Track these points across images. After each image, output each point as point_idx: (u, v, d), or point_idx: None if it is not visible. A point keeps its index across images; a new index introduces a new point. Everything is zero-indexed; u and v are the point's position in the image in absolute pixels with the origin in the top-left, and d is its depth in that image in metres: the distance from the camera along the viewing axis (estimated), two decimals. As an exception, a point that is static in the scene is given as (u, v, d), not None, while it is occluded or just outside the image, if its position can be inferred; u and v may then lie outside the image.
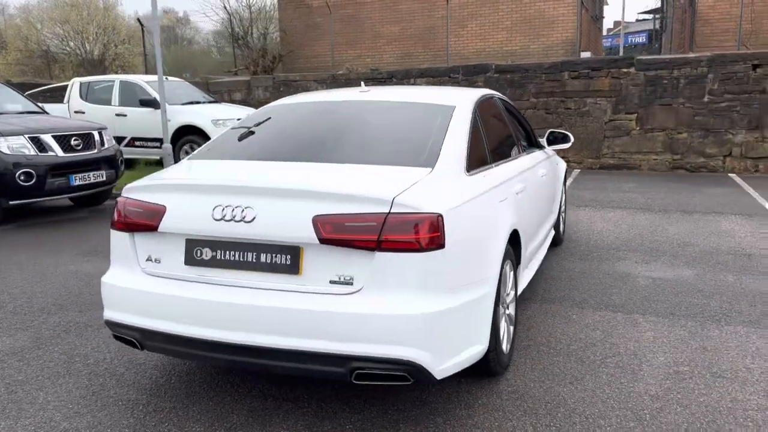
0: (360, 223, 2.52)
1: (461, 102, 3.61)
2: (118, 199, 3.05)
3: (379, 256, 2.51)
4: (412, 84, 13.25)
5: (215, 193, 2.75)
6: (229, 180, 2.87)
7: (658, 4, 27.54)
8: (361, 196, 2.57)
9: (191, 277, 2.79)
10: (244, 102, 14.51)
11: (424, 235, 2.52)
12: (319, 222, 2.55)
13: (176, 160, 10.76)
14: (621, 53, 18.31)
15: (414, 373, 2.53)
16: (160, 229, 2.83)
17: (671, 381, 3.24)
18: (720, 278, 4.97)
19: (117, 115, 11.78)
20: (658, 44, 27.75)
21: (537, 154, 4.89)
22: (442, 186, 2.82)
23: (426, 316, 2.51)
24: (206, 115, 11.38)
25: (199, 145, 11.32)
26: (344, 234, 2.53)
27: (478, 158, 3.36)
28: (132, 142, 11.77)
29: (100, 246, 6.41)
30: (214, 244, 2.75)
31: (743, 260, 5.46)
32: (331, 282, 2.58)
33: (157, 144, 11.61)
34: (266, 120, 3.73)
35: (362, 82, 4.58)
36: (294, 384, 3.24)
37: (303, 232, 2.57)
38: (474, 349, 2.80)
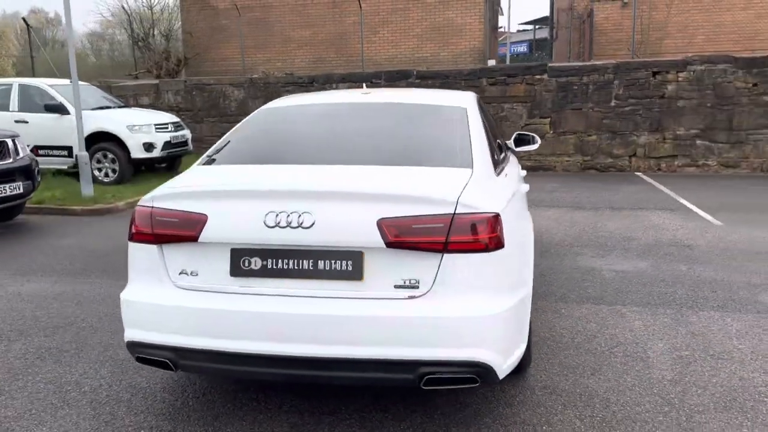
0: (428, 225, 2.48)
1: (467, 103, 3.65)
2: (140, 209, 2.80)
3: (447, 257, 2.48)
4: (334, 89, 13.19)
5: (267, 198, 2.60)
6: (283, 184, 2.72)
7: (540, 15, 29.24)
8: (427, 197, 2.53)
9: (238, 289, 2.61)
10: (152, 106, 13.79)
11: (488, 235, 2.52)
12: (384, 225, 2.48)
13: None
14: (507, 62, 19.29)
15: (483, 374, 2.52)
16: (200, 239, 2.63)
17: (680, 365, 3.45)
18: (674, 268, 5.36)
19: (17, 121, 10.76)
20: (545, 53, 29.42)
21: (511, 155, 5.03)
22: (487, 186, 2.83)
23: (494, 317, 2.52)
24: (120, 120, 10.70)
25: (114, 153, 10.67)
26: (412, 237, 2.48)
27: (495, 159, 3.41)
28: (35, 151, 10.80)
29: (36, 263, 5.84)
30: (265, 252, 2.59)
31: (686, 251, 5.92)
32: (396, 286, 2.52)
33: (65, 152, 10.77)
34: (278, 122, 3.59)
35: (364, 84, 4.51)
36: (325, 396, 3.12)
37: (367, 237, 2.49)
38: (522, 347, 2.83)
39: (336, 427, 2.87)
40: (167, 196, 2.76)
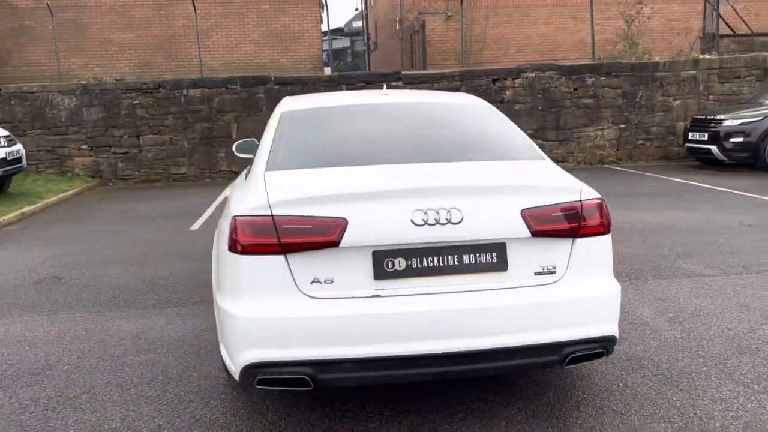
0: (565, 212, 2.66)
1: (483, 101, 3.88)
2: (254, 219, 2.56)
3: (579, 242, 2.69)
4: (186, 95, 12.46)
5: (413, 196, 2.56)
6: (430, 182, 2.68)
7: (333, 26, 30.39)
8: (560, 186, 2.71)
9: (383, 291, 2.54)
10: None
11: (604, 219, 2.78)
12: (528, 215, 2.61)
13: None
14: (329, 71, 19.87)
15: (610, 347, 2.77)
16: (342, 244, 2.50)
17: (745, 324, 3.98)
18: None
19: None
20: (346, 63, 30.56)
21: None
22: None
23: (616, 293, 2.78)
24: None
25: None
26: (553, 224, 2.64)
27: None
28: None
29: (-77, 307, 4.78)
30: (410, 252, 2.55)
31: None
32: (536, 273, 2.65)
33: None
34: (322, 125, 3.48)
35: (384, 85, 4.44)
36: (415, 392, 3.12)
37: (512, 227, 2.60)
38: None
39: (454, 419, 2.90)
40: (294, 202, 2.57)
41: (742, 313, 4.18)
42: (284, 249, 2.53)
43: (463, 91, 12.59)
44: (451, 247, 2.57)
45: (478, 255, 2.60)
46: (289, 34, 16.85)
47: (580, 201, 2.71)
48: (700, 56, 13.57)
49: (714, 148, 11.26)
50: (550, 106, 12.97)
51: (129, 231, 7.74)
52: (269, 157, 3.14)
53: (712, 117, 11.48)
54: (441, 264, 2.58)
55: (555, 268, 2.67)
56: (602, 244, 2.76)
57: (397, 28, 18.19)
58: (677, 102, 13.13)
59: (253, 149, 5.24)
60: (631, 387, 3.18)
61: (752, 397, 3.02)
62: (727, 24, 16.16)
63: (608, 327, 2.72)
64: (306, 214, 2.54)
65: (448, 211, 2.55)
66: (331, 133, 3.43)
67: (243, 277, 2.59)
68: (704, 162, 11.88)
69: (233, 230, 2.61)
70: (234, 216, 2.65)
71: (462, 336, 2.53)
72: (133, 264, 6.04)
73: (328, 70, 16.94)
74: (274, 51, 16.83)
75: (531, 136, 13.05)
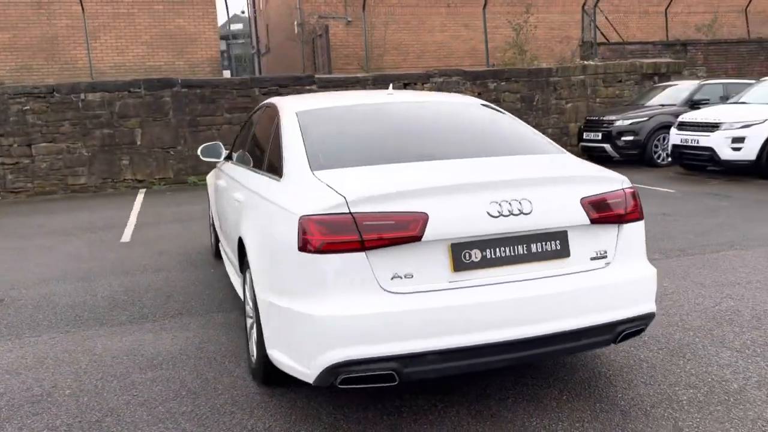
0: (615, 200, 2.88)
1: (480, 99, 4.06)
2: (331, 217, 2.53)
3: (624, 227, 2.91)
4: (83, 99, 11.61)
5: (488, 189, 2.66)
6: (503, 175, 2.77)
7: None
8: (606, 176, 2.92)
9: (461, 283, 2.61)
10: None
11: (639, 206, 3.03)
12: (586, 204, 2.79)
13: None
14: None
15: (649, 323, 3.01)
16: (424, 238, 2.54)
17: (708, 299, 4.38)
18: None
19: None
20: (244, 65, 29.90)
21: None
22: None
23: (654, 273, 3.03)
24: None
25: None
26: (607, 212, 2.84)
27: None
28: None
29: None
30: (485, 243, 2.64)
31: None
32: (591, 259, 2.84)
33: None
34: (344, 125, 3.48)
35: (390, 85, 4.40)
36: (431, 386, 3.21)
37: (574, 216, 2.77)
38: None
39: (507, 403, 3.02)
40: (373, 198, 2.57)
41: (700, 290, 4.67)
42: (365, 246, 2.52)
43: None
44: (522, 236, 2.70)
45: (544, 243, 2.74)
46: (185, 36, 16.19)
47: (623, 189, 2.94)
48: (588, 63, 14.77)
49: (608, 146, 12.31)
50: (458, 109, 13.50)
51: (54, 246, 7.11)
52: (308, 155, 3.09)
53: (604, 118, 12.55)
54: (513, 253, 2.69)
55: (606, 252, 2.87)
56: (640, 229, 3.01)
57: (296, 31, 18.06)
58: (569, 105, 14.19)
59: (219, 153, 5.09)
60: (647, 361, 3.47)
61: (750, 360, 3.42)
62: (602, 33, 17.68)
63: (650, 305, 2.97)
64: (387, 210, 2.55)
65: (520, 202, 2.68)
66: (363, 132, 3.44)
67: (322, 277, 2.55)
68: (597, 159, 12.92)
69: (304, 230, 2.57)
70: (303, 216, 2.60)
71: (535, 322, 2.66)
72: (78, 280, 5.58)
73: (227, 73, 16.47)
74: (169, 53, 16.09)
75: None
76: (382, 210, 2.55)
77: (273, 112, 3.89)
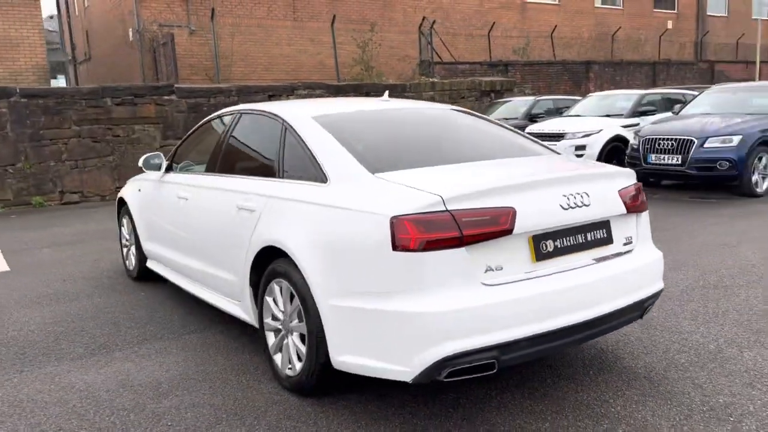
0: (637, 192, 3.28)
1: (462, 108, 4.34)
2: (431, 215, 2.59)
3: (641, 216, 3.32)
4: None
5: (561, 184, 2.91)
6: (569, 171, 3.01)
7: None
8: (626, 171, 3.31)
9: (539, 272, 2.81)
10: None
11: (645, 197, 3.47)
12: (622, 195, 3.16)
13: None
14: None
15: (657, 299, 3.46)
16: (514, 231, 2.70)
17: None
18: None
19: None
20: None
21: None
22: None
23: (662, 255, 3.46)
24: None
25: None
26: (635, 201, 3.23)
27: None
28: None
29: None
30: (556, 234, 2.88)
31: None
32: (623, 244, 3.21)
33: None
34: (374, 129, 3.53)
35: (386, 93, 4.30)
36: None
37: (615, 206, 3.12)
38: None
39: (558, 384, 3.28)
40: (466, 196, 2.68)
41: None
42: (464, 241, 2.63)
43: (190, 110, 12.48)
44: (582, 226, 2.99)
45: (596, 232, 3.05)
46: (6, 42, 14.31)
47: (635, 183, 3.37)
48: (436, 80, 15.82)
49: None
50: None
51: None
52: (357, 158, 3.09)
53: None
54: (576, 242, 2.97)
55: (631, 239, 3.26)
56: (647, 218, 3.45)
57: (132, 39, 16.87)
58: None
59: (159, 165, 4.75)
60: (631, 335, 3.96)
61: (707, 326, 4.06)
62: (437, 53, 19.02)
63: (661, 283, 3.41)
64: (481, 206, 2.68)
65: (581, 195, 2.97)
66: (392, 136, 3.52)
67: (423, 274, 2.60)
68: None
69: (399, 229, 2.60)
70: (395, 216, 2.63)
71: (596, 304, 2.94)
72: (-18, 315, 4.78)
73: (54, 83, 14.85)
74: (-15, 59, 14.10)
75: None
76: (476, 206, 2.68)
77: (272, 119, 3.77)
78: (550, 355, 3.59)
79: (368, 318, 2.74)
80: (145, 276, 5.52)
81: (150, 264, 5.33)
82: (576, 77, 21.97)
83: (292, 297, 3.22)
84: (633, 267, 3.16)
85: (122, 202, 5.79)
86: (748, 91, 10.61)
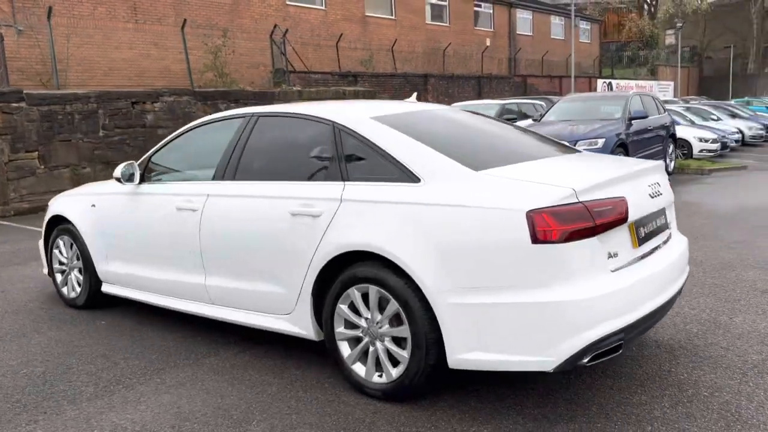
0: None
1: None
2: (565, 208, 2.71)
3: (672, 204, 3.72)
4: None
5: (647, 175, 3.23)
6: (649, 163, 3.31)
7: None
8: (661, 165, 3.69)
9: (642, 255, 3.06)
10: None
11: None
12: (669, 186, 3.55)
13: None
14: None
15: None
16: (628, 220, 2.92)
17: None
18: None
19: None
20: None
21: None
22: None
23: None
24: None
25: None
26: (672, 192, 3.63)
27: None
28: None
29: None
30: (645, 219, 3.16)
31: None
32: (670, 229, 3.58)
33: None
34: (435, 129, 3.56)
35: (414, 94, 4.10)
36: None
37: (669, 195, 3.51)
38: None
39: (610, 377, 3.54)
40: (592, 188, 2.84)
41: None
42: (596, 230, 2.78)
43: (101, 114, 11.35)
44: (657, 212, 3.30)
45: (662, 217, 3.38)
46: None
47: (666, 174, 3.79)
48: (303, 89, 15.75)
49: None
50: (191, 131, 12.88)
51: None
52: (452, 157, 3.10)
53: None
54: (654, 227, 3.28)
55: (670, 224, 3.64)
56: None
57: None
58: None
59: (134, 176, 4.29)
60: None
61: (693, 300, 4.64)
62: (290, 62, 18.90)
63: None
64: (603, 197, 2.85)
65: (657, 185, 3.31)
66: (454, 135, 3.58)
67: (565, 264, 2.71)
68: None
69: (536, 222, 2.69)
70: (531, 210, 2.71)
71: (673, 282, 3.27)
72: None
73: None
74: None
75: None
76: (601, 197, 2.85)
77: (314, 121, 3.60)
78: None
79: (501, 312, 2.77)
80: (93, 304, 4.86)
81: (109, 289, 4.69)
82: (416, 89, 23.16)
83: (379, 302, 3.12)
84: (681, 248, 3.52)
85: (56, 221, 5.02)
86: (595, 100, 12.13)
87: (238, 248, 3.68)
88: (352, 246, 3.16)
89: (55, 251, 5.08)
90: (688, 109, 19.70)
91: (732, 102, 28.55)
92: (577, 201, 2.77)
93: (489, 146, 3.55)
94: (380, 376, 3.18)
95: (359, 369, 3.26)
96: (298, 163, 3.65)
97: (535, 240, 2.70)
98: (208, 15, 18.68)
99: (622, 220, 2.91)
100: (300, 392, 3.32)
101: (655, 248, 3.23)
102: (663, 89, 37.53)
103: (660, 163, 3.58)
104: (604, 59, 40.45)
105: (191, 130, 4.36)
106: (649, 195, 3.21)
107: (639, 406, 3.02)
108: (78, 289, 4.91)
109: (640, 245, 3.10)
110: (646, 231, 3.19)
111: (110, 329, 4.45)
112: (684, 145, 15.37)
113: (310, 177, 3.52)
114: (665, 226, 3.43)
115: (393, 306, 3.06)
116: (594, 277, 2.78)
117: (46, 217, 5.15)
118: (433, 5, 26.71)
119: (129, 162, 4.45)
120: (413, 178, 3.11)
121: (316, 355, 3.74)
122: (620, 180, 3.06)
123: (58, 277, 5.10)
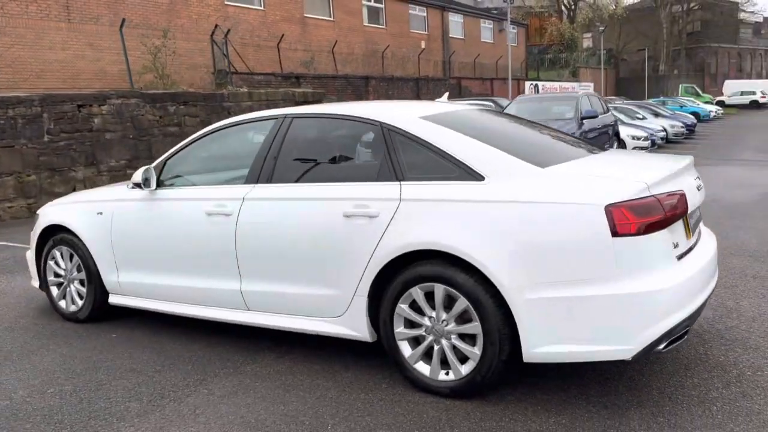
0: None
1: None
2: (642, 201, 2.82)
3: None
4: None
5: (691, 170, 3.38)
6: (690, 159, 3.43)
7: None
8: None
9: (690, 245, 3.20)
10: None
11: None
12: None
13: None
14: None
15: None
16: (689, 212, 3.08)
17: None
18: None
19: None
20: None
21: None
22: None
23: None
24: None
25: None
26: None
27: None
28: None
29: None
30: (693, 212, 3.33)
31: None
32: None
33: None
34: (479, 128, 3.59)
35: (446, 93, 4.05)
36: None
37: (702, 191, 3.68)
38: None
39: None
40: (659, 183, 2.97)
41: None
42: (667, 222, 2.91)
43: (46, 118, 10.72)
44: (698, 205, 3.47)
45: (698, 210, 3.55)
46: None
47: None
48: (254, 91, 15.43)
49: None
50: (141, 134, 12.39)
51: None
52: (513, 155, 3.16)
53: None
54: (697, 219, 3.46)
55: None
56: None
57: None
58: (239, 129, 14.55)
59: (149, 179, 4.14)
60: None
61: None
62: (232, 64, 18.48)
63: None
64: (667, 191, 2.98)
65: (699, 179, 3.48)
66: (499, 133, 3.64)
67: (644, 255, 2.82)
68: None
69: (616, 216, 2.79)
70: (610, 204, 2.81)
71: (715, 272, 3.44)
72: None
73: None
74: None
75: (126, 166, 12.18)
76: (667, 191, 2.98)
77: (359, 122, 3.58)
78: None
79: (581, 305, 2.85)
80: (96, 317, 4.60)
81: (119, 300, 4.46)
82: (358, 90, 23.24)
83: (446, 300, 3.14)
84: (713, 241, 3.67)
85: (54, 230, 4.72)
86: (547, 101, 12.58)
87: (281, 252, 3.59)
88: (417, 245, 3.15)
89: (50, 263, 4.77)
90: (615, 108, 20.76)
91: (651, 102, 30.29)
92: (650, 194, 2.89)
93: (539, 144, 3.64)
94: (447, 373, 3.19)
95: (422, 368, 3.26)
96: (345, 165, 3.60)
97: (615, 233, 2.80)
98: (145, 14, 18.01)
99: (684, 212, 3.06)
100: (362, 394, 3.28)
101: (698, 240, 3.41)
102: (584, 90, 39.31)
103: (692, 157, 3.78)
104: (529, 62, 41.86)
105: (210, 134, 4.21)
106: (697, 188, 3.38)
107: (695, 389, 3.19)
108: (79, 302, 4.63)
109: (692, 235, 3.27)
110: (694, 222, 3.37)
111: (126, 342, 4.22)
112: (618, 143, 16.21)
113: (360, 178, 3.48)
114: (700, 219, 3.62)
115: (461, 303, 3.08)
116: (667, 267, 2.91)
117: (39, 228, 4.82)
118: (369, 7, 26.83)
119: (146, 167, 4.24)
120: (476, 177, 3.14)
121: (357, 356, 3.72)
122: (679, 174, 3.22)
123: (54, 290, 4.80)
